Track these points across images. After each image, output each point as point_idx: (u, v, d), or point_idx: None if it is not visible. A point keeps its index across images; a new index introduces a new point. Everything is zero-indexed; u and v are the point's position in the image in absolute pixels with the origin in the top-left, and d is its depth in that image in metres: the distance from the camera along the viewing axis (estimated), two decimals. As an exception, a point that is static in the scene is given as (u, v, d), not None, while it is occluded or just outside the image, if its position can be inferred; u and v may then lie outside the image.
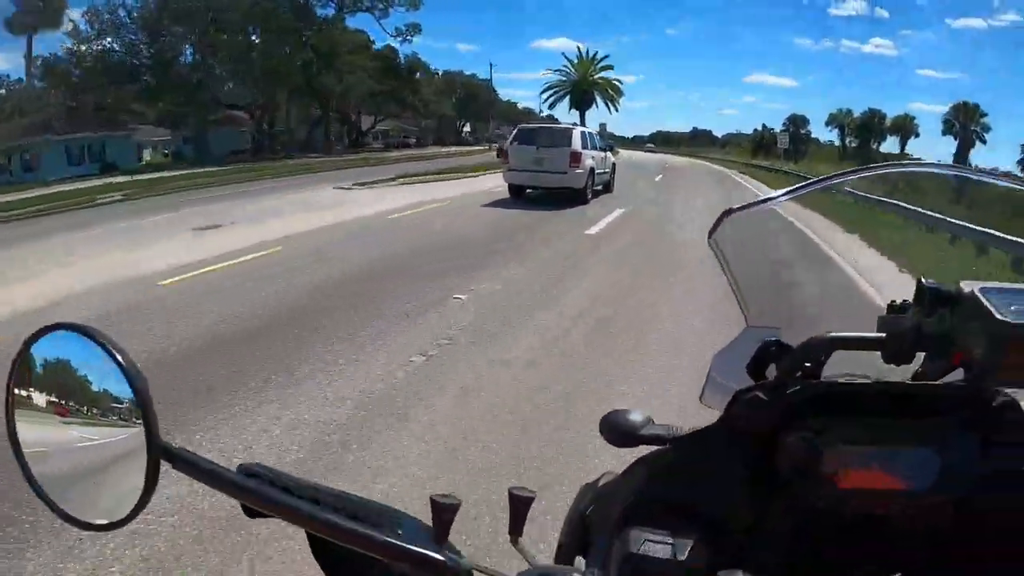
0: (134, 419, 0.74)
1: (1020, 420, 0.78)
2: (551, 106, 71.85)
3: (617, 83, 71.42)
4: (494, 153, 36.86)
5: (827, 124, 73.80)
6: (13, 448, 0.76)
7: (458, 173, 25.70)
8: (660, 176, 29.97)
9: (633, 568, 0.76)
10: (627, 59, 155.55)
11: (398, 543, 0.69)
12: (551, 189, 17.15)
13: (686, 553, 0.78)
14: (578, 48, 74.89)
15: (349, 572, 0.79)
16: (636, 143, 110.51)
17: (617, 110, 75.06)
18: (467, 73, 75.22)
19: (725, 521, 0.84)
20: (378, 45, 53.79)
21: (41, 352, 0.78)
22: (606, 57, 72.57)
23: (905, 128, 68.66)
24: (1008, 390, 0.79)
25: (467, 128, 75.67)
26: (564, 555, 0.98)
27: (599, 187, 18.85)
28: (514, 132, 18.66)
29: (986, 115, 64.08)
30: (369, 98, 51.87)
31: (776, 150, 67.54)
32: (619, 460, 0.92)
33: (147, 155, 45.23)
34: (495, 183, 20.13)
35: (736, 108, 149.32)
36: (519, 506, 0.76)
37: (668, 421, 0.91)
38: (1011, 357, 0.71)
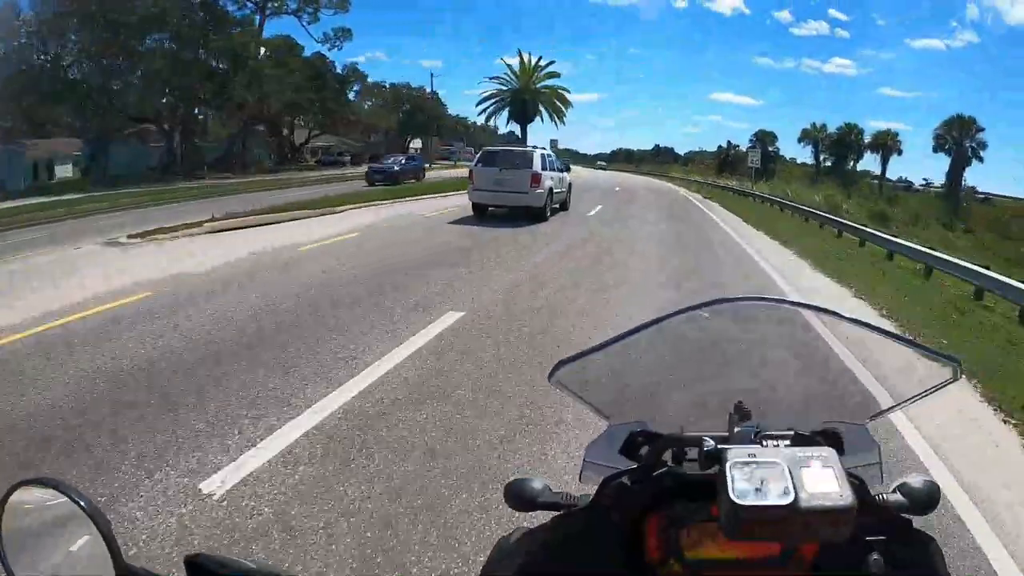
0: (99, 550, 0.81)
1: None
2: (488, 119, 62.92)
3: (564, 92, 61.71)
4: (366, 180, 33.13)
5: (800, 140, 67.67)
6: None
7: (314, 209, 19.29)
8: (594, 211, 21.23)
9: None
10: (590, 77, 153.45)
11: None
12: (513, 208, 17.99)
13: None
14: (519, 54, 62.10)
15: None
16: (597, 160, 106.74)
17: (564, 123, 63.40)
18: (415, 86, 68.48)
19: None
20: (308, 52, 49.28)
21: (14, 510, 0.85)
22: (551, 63, 62.01)
23: (887, 145, 63.37)
24: None
25: (416, 144, 69.83)
26: None
27: (556, 205, 19.67)
28: (478, 154, 19.62)
29: (983, 130, 57.51)
30: (297, 110, 46.49)
31: (746, 168, 63.17)
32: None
33: (67, 171, 39.49)
34: (349, 224, 15.44)
35: (699, 126, 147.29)
36: None
37: None
38: (743, 529, 0.77)
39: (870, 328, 1.08)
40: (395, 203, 22.45)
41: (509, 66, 61.41)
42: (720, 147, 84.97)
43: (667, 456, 0.97)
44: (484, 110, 61.82)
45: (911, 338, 1.17)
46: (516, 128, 59.34)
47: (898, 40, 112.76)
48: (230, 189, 28.86)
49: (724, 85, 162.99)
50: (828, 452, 0.83)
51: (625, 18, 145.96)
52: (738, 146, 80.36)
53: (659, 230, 17.47)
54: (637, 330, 1.05)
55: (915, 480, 0.99)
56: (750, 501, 0.77)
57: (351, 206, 20.18)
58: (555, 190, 19.10)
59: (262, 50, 43.00)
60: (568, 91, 61.83)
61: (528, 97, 58.65)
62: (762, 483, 0.79)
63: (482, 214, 18.38)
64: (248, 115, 42.64)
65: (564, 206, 20.74)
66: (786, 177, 56.33)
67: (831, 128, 66.52)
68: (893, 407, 1.13)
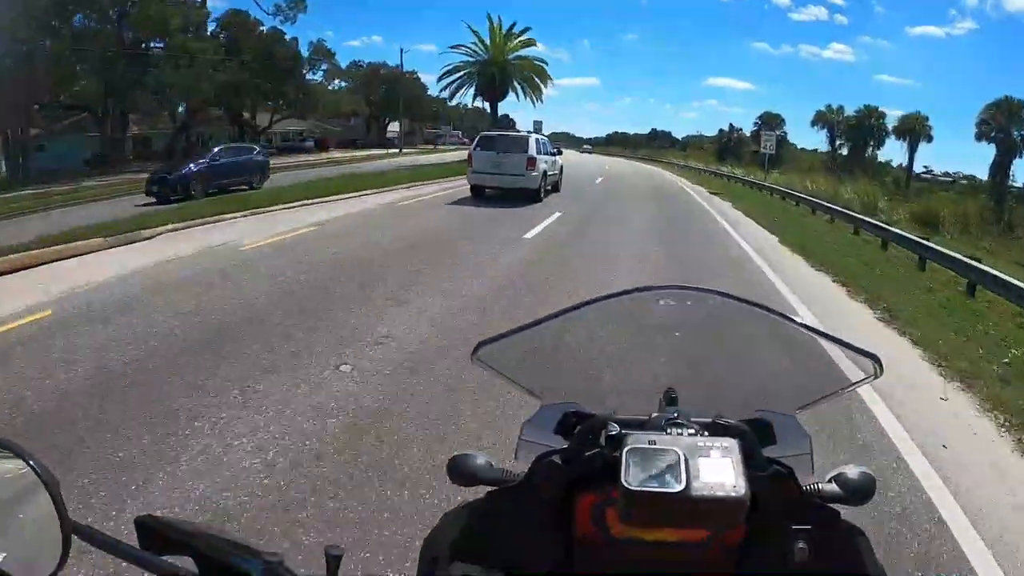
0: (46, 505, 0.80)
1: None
2: (451, 96, 50.22)
3: (542, 65, 48.76)
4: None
5: (813, 124, 60.62)
6: None
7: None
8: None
9: None
10: (586, 62, 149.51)
11: None
12: (509, 189, 18.62)
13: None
14: (488, 18, 48.05)
15: None
16: (594, 145, 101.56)
17: (541, 101, 49.49)
18: (391, 65, 62.44)
19: (529, 564, 0.95)
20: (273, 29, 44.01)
21: None
22: (527, 30, 48.16)
23: (914, 131, 54.12)
24: None
25: (393, 127, 64.14)
26: None
27: (549, 187, 20.30)
28: (476, 139, 20.37)
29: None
30: (236, 92, 41.27)
31: (749, 154, 57.57)
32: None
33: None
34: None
35: (695, 111, 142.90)
36: (332, 564, 0.82)
37: None
38: (635, 513, 0.82)
39: (799, 324, 1.16)
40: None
41: (476, 32, 47.42)
42: (721, 131, 78.10)
43: (603, 438, 0.97)
44: (449, 84, 48.24)
45: (835, 335, 1.06)
46: (485, 106, 49.10)
47: (897, 28, 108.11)
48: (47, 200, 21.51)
49: (722, 70, 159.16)
50: (730, 443, 0.87)
51: (622, 2, 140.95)
52: (740, 130, 74.14)
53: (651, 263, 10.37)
54: (566, 311, 1.11)
55: (851, 471, 1.01)
56: (642, 487, 0.81)
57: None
58: (548, 173, 20.15)
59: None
60: (547, 64, 49.77)
61: (499, 70, 45.60)
62: (657, 470, 0.83)
63: (479, 195, 19.29)
64: (184, 97, 37.30)
65: (556, 188, 21.67)
66: (799, 166, 49.53)
67: (849, 111, 59.77)
68: (819, 399, 1.15)
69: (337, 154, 48.01)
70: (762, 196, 25.99)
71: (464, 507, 1.03)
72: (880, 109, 58.74)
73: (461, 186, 20.57)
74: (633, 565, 0.94)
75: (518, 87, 46.96)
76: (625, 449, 0.85)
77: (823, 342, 1.13)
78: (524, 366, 1.19)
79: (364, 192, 19.65)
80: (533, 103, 53.29)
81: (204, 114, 43.20)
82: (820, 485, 0.99)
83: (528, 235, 12.28)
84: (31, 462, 0.79)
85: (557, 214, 15.48)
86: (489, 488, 1.02)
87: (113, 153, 36.84)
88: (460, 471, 1.06)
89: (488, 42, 46.70)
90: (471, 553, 0.97)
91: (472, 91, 47.15)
